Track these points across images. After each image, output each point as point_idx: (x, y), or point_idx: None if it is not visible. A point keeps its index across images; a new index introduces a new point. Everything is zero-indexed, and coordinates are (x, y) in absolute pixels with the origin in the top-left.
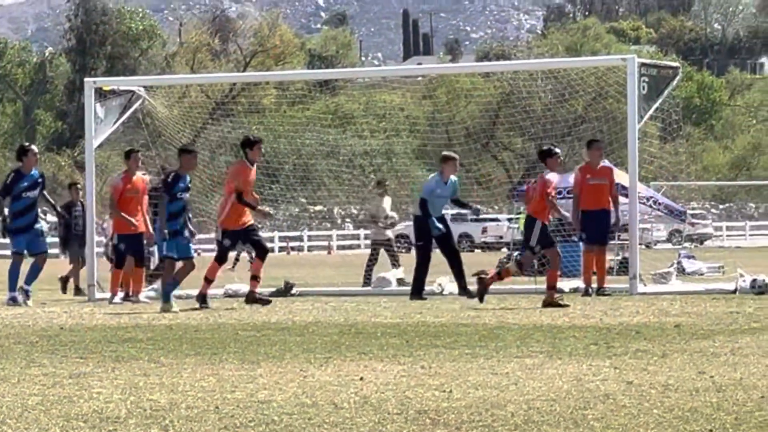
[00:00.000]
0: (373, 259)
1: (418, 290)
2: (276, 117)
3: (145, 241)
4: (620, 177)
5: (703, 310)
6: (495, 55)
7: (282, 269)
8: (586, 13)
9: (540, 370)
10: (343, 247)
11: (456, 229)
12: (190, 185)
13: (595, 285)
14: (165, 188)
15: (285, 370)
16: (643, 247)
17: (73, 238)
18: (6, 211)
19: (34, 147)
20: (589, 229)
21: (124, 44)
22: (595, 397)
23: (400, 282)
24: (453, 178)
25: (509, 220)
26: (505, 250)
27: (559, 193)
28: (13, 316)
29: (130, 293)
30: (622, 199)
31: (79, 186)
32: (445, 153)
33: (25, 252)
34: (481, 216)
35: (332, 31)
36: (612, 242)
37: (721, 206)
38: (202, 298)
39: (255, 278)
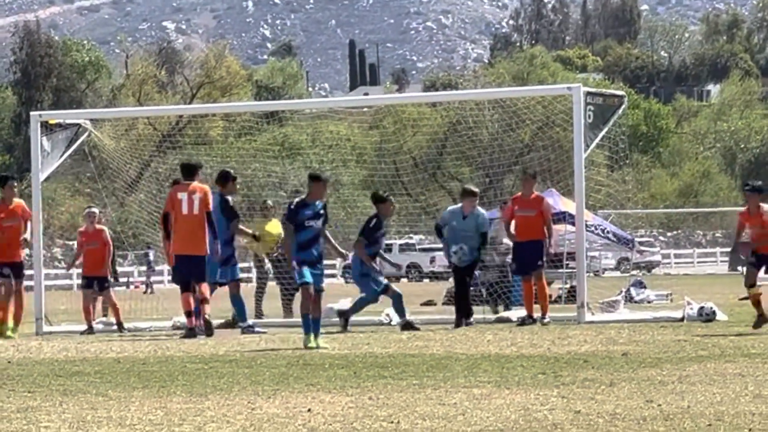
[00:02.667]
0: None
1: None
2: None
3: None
4: (567, 205)
5: (650, 338)
6: (442, 85)
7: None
8: (533, 41)
9: (488, 400)
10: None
11: (404, 259)
12: (321, 212)
13: (538, 314)
14: (288, 216)
15: (233, 403)
16: (592, 275)
17: None
18: None
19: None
20: (518, 260)
21: (70, 76)
22: (543, 426)
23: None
24: (479, 211)
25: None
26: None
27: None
28: None
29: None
30: (570, 228)
31: None
32: (464, 187)
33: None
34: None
35: (279, 62)
36: (559, 270)
37: (669, 234)
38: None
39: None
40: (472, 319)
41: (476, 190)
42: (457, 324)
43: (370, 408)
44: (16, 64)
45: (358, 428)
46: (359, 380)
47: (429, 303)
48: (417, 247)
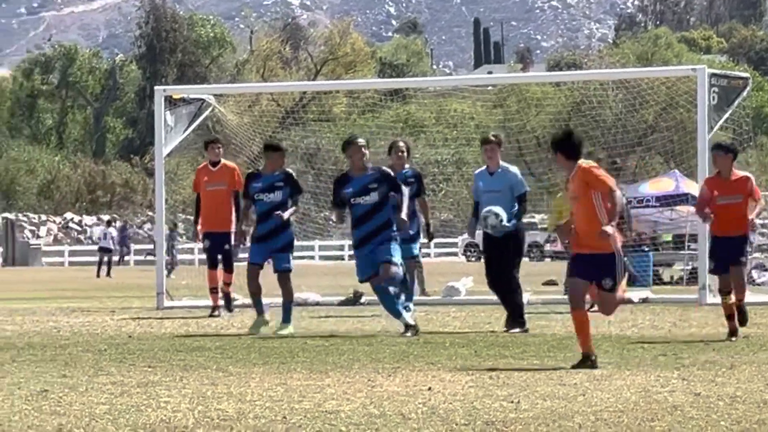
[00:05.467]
0: None
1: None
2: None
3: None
4: (690, 187)
5: None
6: (566, 64)
7: (351, 278)
8: (658, 22)
9: (608, 381)
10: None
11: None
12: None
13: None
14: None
15: (353, 380)
16: None
17: None
18: None
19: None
20: None
21: (195, 52)
22: (663, 408)
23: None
24: (509, 168)
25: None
26: None
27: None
28: (82, 324)
29: None
30: (692, 209)
31: None
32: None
33: None
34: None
35: (404, 40)
36: (681, 252)
37: None
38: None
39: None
40: (526, 326)
41: (492, 137)
42: (509, 326)
43: (490, 387)
44: (141, 38)
45: (478, 407)
46: (480, 359)
47: (550, 282)
48: (539, 226)
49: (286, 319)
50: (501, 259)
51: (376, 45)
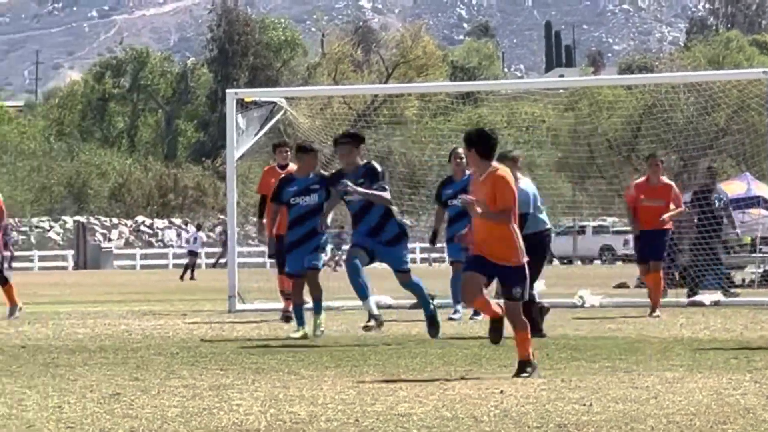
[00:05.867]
0: None
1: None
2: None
3: None
4: (761, 190)
5: None
6: (637, 68)
7: (424, 281)
8: (729, 25)
9: (680, 383)
10: None
11: (597, 242)
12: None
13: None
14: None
15: (425, 383)
16: None
17: None
18: None
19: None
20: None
21: (266, 55)
22: (735, 411)
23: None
24: (522, 184)
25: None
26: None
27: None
28: (154, 327)
29: None
30: (764, 212)
31: None
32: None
33: None
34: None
35: (475, 43)
36: (753, 255)
37: None
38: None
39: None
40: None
41: (514, 154)
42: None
43: (562, 390)
44: (213, 41)
45: (551, 410)
46: (552, 362)
47: (622, 285)
48: (611, 229)
49: (318, 310)
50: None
51: (448, 48)
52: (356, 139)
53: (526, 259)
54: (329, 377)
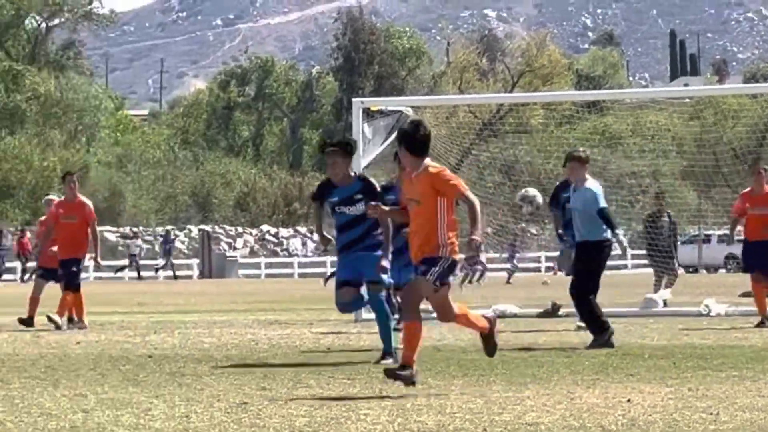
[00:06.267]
0: None
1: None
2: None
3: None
4: None
5: None
6: (762, 76)
7: (548, 290)
8: None
9: None
10: (611, 267)
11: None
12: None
13: None
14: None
15: (552, 392)
16: None
17: None
18: None
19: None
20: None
21: (392, 63)
22: None
23: (666, 303)
24: (588, 185)
25: None
26: None
27: None
28: (280, 337)
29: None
30: None
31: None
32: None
33: None
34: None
35: (600, 51)
36: None
37: None
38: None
39: None
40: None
41: (582, 155)
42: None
43: (689, 399)
44: (338, 50)
45: (678, 419)
46: (679, 371)
47: (747, 294)
48: (736, 238)
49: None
50: (582, 271)
51: (573, 57)
52: (345, 149)
53: (460, 256)
54: (456, 386)
